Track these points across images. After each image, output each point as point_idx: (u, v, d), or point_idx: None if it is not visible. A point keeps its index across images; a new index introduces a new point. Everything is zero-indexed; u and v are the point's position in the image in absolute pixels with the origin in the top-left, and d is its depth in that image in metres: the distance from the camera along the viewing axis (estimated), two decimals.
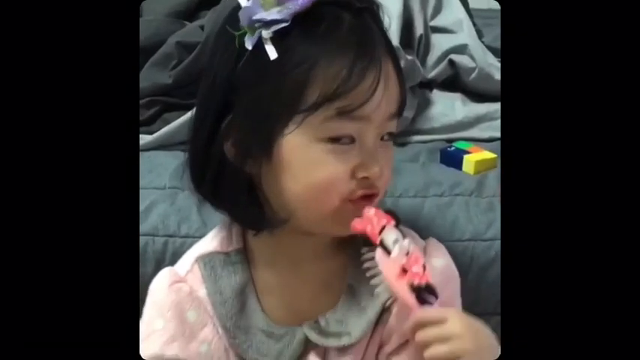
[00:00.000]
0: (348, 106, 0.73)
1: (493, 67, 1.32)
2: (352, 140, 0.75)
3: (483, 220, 1.02)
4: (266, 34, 0.73)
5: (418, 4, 1.36)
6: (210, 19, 1.35)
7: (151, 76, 1.26)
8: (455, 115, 1.27)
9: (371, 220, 0.76)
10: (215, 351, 0.82)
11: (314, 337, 0.81)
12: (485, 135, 1.24)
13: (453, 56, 1.33)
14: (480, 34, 1.47)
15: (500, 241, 1.00)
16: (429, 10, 1.41)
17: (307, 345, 0.82)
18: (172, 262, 0.93)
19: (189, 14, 1.42)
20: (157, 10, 1.41)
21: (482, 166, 1.11)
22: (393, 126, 0.79)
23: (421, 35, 1.33)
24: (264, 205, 0.79)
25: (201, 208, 1.02)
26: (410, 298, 0.72)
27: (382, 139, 0.78)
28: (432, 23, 1.40)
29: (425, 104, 1.29)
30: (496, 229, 1.01)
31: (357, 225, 0.76)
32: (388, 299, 0.79)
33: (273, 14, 0.73)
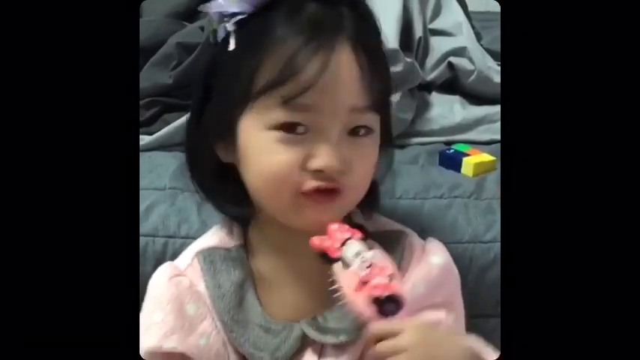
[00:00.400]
0: (291, 93, 0.73)
1: (492, 69, 1.33)
2: (307, 130, 0.74)
3: (482, 222, 1.03)
4: (229, 26, 0.76)
5: (417, 7, 1.36)
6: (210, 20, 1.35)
7: (151, 76, 1.26)
8: (454, 118, 1.27)
9: (332, 234, 0.75)
10: (214, 344, 0.82)
11: (312, 333, 0.81)
12: (484, 137, 1.24)
13: (452, 59, 1.33)
14: (478, 37, 1.47)
15: (498, 244, 1.00)
16: (428, 13, 1.42)
17: (304, 341, 0.82)
18: None
19: (189, 15, 1.42)
20: (157, 10, 1.41)
21: (481, 169, 1.12)
22: (365, 120, 0.77)
23: (420, 38, 1.33)
24: (247, 196, 0.81)
25: (201, 208, 1.03)
26: (367, 311, 0.70)
27: (358, 134, 0.76)
28: (431, 26, 1.41)
29: (424, 107, 1.29)
30: (495, 231, 1.01)
31: (315, 241, 0.75)
32: None
33: (233, 6, 0.76)
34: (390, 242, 0.85)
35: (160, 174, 1.11)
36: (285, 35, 0.74)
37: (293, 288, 0.84)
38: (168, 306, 0.81)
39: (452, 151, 1.16)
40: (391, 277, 0.71)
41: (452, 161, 1.13)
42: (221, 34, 0.78)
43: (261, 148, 0.75)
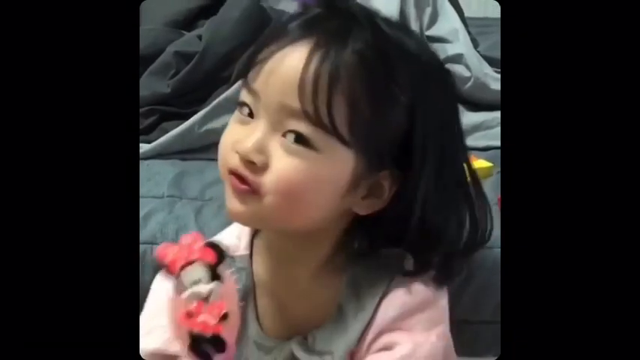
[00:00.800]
0: (251, 76, 0.74)
1: (488, 76, 1.33)
2: (253, 116, 0.74)
3: None
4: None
5: (414, 14, 1.37)
6: (207, 28, 1.36)
7: (150, 85, 1.27)
8: None
9: (181, 250, 0.69)
10: None
11: (300, 354, 0.81)
12: (481, 144, 1.24)
13: (449, 66, 1.33)
14: (475, 43, 1.48)
15: (497, 249, 1.00)
16: (425, 20, 1.42)
17: None
18: None
19: (187, 24, 1.43)
20: (156, 19, 1.42)
21: None
22: (299, 127, 0.72)
23: None
24: None
25: (199, 216, 1.03)
26: (182, 346, 0.67)
27: (296, 141, 0.72)
28: (428, 33, 1.41)
29: None
30: (493, 236, 1.01)
31: (160, 250, 0.70)
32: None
33: None
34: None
35: (158, 182, 1.11)
36: (288, 29, 0.75)
37: (289, 306, 0.83)
38: None
39: None
40: (223, 316, 0.67)
41: None
42: None
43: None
